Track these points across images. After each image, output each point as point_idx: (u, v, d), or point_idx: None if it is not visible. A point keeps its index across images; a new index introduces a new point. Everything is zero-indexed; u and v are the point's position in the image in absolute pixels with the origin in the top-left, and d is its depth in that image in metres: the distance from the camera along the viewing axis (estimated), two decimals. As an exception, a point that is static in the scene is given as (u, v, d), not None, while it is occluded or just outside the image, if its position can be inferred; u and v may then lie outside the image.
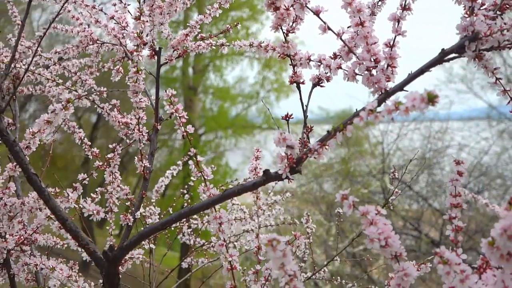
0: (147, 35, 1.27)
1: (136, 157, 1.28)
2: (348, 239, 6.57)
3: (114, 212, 1.28)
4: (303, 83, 0.94)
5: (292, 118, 0.93)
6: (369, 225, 0.63)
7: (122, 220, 1.24)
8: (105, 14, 1.38)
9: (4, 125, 0.98)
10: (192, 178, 1.02)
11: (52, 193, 1.07)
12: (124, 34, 1.32)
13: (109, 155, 1.25)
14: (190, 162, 1.00)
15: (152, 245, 1.77)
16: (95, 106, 1.38)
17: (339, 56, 0.88)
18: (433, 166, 7.85)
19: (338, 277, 2.20)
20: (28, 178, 0.99)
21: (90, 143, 1.38)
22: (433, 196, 7.71)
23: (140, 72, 1.19)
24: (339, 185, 8.26)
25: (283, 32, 0.90)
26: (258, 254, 1.08)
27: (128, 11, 1.34)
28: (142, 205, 1.44)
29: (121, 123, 1.34)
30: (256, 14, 10.08)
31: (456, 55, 0.76)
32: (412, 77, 0.77)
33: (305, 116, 0.90)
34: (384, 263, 3.97)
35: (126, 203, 1.32)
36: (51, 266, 1.12)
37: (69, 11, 1.44)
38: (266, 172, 0.80)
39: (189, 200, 2.24)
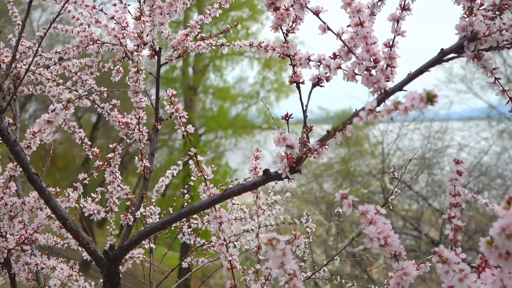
0: (147, 35, 1.28)
1: (136, 157, 1.28)
2: (348, 238, 6.57)
3: (114, 212, 1.28)
4: (303, 83, 0.94)
5: (292, 118, 0.93)
6: (368, 225, 0.63)
7: (123, 219, 1.25)
8: (105, 14, 1.38)
9: (4, 125, 0.98)
10: (192, 178, 1.02)
11: (53, 192, 1.07)
12: (124, 34, 1.32)
13: (109, 155, 1.25)
14: (190, 162, 1.00)
15: (152, 245, 1.77)
16: (95, 106, 1.38)
17: (338, 56, 0.89)
18: (433, 166, 7.85)
19: (338, 277, 2.21)
20: (29, 177, 0.99)
21: (90, 143, 1.38)
22: (433, 196, 7.71)
23: (140, 72, 1.20)
24: (339, 185, 8.26)
25: (283, 32, 0.90)
26: (258, 253, 1.08)
27: (128, 11, 1.34)
28: (142, 204, 1.44)
29: (121, 123, 1.35)
30: (256, 14, 10.09)
31: (455, 55, 0.76)
32: (411, 77, 0.77)
33: (305, 116, 0.90)
34: (384, 263, 3.97)
35: (126, 203, 1.32)
36: (52, 266, 1.12)
37: (69, 11, 1.44)
38: (266, 171, 0.80)
39: (189, 200, 2.25)
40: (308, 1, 0.83)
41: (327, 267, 2.02)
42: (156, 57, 1.36)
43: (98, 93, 1.36)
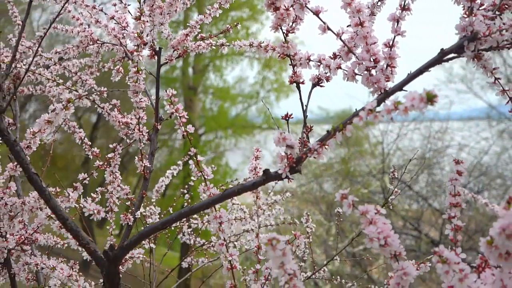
0: (147, 35, 1.28)
1: (136, 157, 1.28)
2: (348, 238, 6.57)
3: (114, 212, 1.28)
4: (303, 83, 0.94)
5: (292, 118, 0.93)
6: (368, 225, 0.63)
7: (123, 219, 1.25)
8: (105, 14, 1.38)
9: (4, 125, 0.98)
10: (192, 178, 1.02)
11: (53, 192, 1.07)
12: (124, 34, 1.32)
13: (109, 155, 1.25)
14: (190, 162, 1.00)
15: (152, 245, 1.77)
16: (95, 106, 1.38)
17: (338, 56, 0.89)
18: (433, 166, 7.86)
19: (338, 277, 2.21)
20: (29, 177, 0.99)
21: (90, 143, 1.38)
22: (433, 196, 7.71)
23: (140, 72, 1.20)
24: (339, 185, 8.26)
25: (283, 32, 0.90)
26: (258, 253, 1.08)
27: (128, 11, 1.34)
28: (142, 204, 1.44)
29: (121, 123, 1.35)
30: (256, 14, 10.09)
31: (455, 55, 0.76)
32: (411, 77, 0.77)
33: (305, 116, 0.90)
34: (384, 263, 3.97)
35: (127, 203, 1.32)
36: (52, 266, 1.12)
37: (69, 11, 1.44)
38: (266, 171, 0.80)
39: (189, 200, 2.25)
40: (308, 1, 0.83)
41: (327, 267, 2.02)
42: (156, 57, 1.36)
43: (98, 93, 1.36)
